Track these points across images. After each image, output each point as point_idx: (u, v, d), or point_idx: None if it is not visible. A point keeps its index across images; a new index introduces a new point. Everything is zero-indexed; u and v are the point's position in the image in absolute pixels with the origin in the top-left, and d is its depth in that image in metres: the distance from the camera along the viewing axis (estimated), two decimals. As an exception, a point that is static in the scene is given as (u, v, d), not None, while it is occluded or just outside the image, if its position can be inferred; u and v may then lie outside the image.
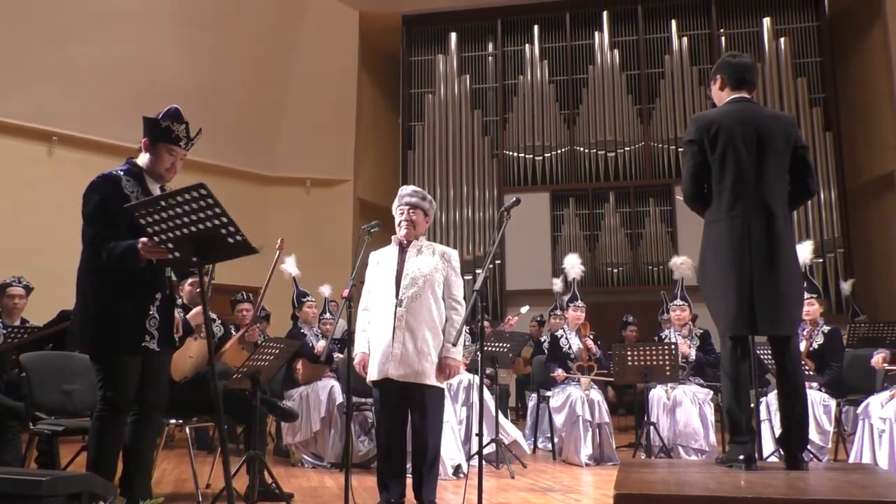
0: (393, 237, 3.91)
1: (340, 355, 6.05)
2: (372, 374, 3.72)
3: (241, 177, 11.41)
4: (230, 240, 2.74)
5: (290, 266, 6.27)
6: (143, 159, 3.31)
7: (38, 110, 9.22)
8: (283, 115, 11.67)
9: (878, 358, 4.95)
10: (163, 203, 2.70)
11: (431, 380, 3.66)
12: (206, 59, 10.55)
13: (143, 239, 2.91)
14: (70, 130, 9.56)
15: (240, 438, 5.57)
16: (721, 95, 3.14)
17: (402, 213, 3.84)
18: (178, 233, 2.75)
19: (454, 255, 3.90)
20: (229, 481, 2.75)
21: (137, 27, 9.85)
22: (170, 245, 2.81)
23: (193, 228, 2.72)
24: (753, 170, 2.93)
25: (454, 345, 3.64)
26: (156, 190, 3.30)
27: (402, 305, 3.65)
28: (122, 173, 3.24)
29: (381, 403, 3.76)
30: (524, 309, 9.26)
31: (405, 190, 3.93)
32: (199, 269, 2.88)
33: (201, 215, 2.68)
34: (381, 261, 3.88)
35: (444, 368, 3.70)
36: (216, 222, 2.69)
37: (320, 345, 5.95)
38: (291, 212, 11.33)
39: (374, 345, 3.74)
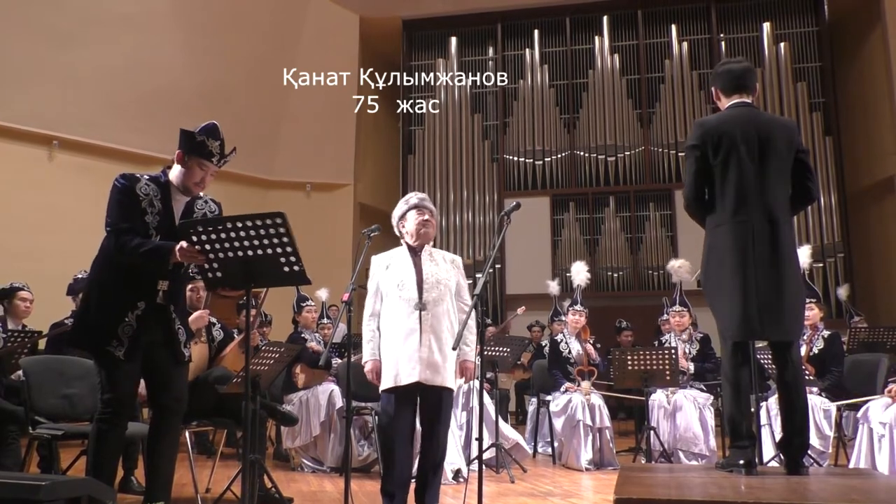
0: (403, 242, 3.85)
1: (340, 360, 6.03)
2: (399, 380, 3.58)
3: (242, 181, 11.40)
4: (286, 269, 2.83)
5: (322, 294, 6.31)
6: (173, 171, 3.35)
7: (38, 114, 9.22)
8: (283, 119, 11.68)
9: (893, 387, 4.90)
10: (228, 224, 2.77)
11: (451, 382, 3.68)
12: (207, 62, 10.56)
13: (183, 243, 2.95)
14: (70, 134, 9.56)
15: (239, 443, 5.57)
16: (722, 104, 3.16)
17: (422, 214, 3.78)
18: (229, 254, 2.83)
19: (460, 260, 3.95)
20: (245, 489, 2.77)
21: (137, 31, 9.87)
22: (215, 265, 2.88)
23: (250, 252, 2.80)
24: (756, 174, 2.93)
25: (454, 348, 3.62)
26: (180, 202, 3.34)
27: (427, 309, 3.63)
28: (145, 176, 3.30)
29: (395, 410, 3.61)
30: (520, 310, 9.28)
31: (419, 195, 3.90)
32: (248, 293, 2.94)
33: (265, 241, 2.78)
34: (392, 265, 3.78)
35: (463, 371, 3.76)
36: (278, 250, 2.78)
37: (313, 343, 5.97)
38: (292, 216, 11.11)
39: (396, 350, 3.62)
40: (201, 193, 3.45)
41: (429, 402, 3.65)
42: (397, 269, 3.75)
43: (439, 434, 3.64)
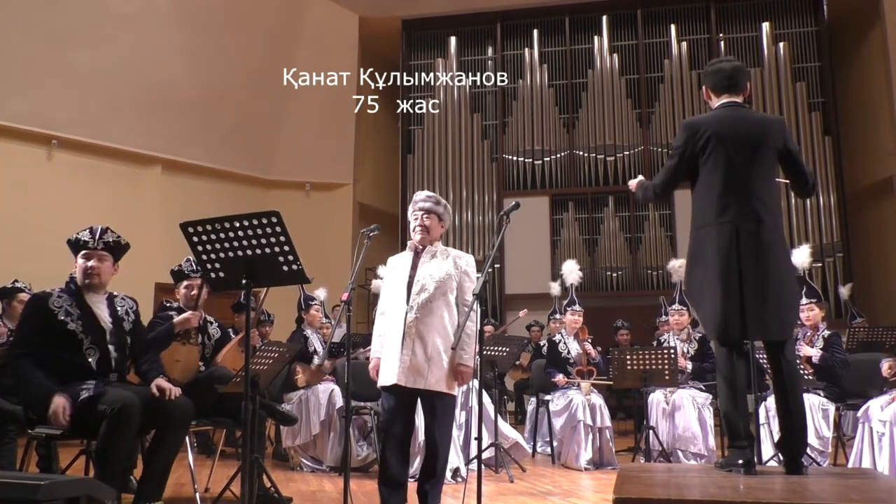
0: (408, 242, 3.88)
1: (326, 360, 6.00)
2: (382, 380, 3.66)
3: (241, 180, 11.42)
4: (285, 268, 2.87)
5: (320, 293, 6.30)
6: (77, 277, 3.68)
7: (37, 113, 9.22)
8: (282, 118, 11.68)
9: (886, 365, 4.95)
10: (226, 224, 2.82)
11: (442, 387, 3.59)
12: (206, 62, 10.56)
13: (60, 409, 3.24)
14: (69, 134, 9.57)
15: (238, 442, 5.56)
16: (712, 103, 3.17)
17: (416, 219, 3.79)
18: (230, 254, 2.88)
19: (469, 259, 3.82)
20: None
21: (137, 31, 9.87)
22: (217, 265, 2.93)
23: (249, 252, 2.84)
24: (743, 175, 2.93)
25: (453, 348, 3.60)
26: (98, 301, 3.65)
27: (413, 311, 3.61)
28: (55, 290, 3.59)
29: (389, 409, 3.68)
30: (522, 313, 9.29)
31: (420, 195, 3.88)
32: (248, 291, 2.96)
33: (262, 241, 2.82)
34: (396, 266, 3.83)
35: (456, 375, 3.63)
36: (276, 249, 2.82)
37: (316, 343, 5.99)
38: (291, 215, 11.11)
39: (386, 350, 3.68)
40: (115, 292, 3.78)
41: (424, 405, 3.64)
42: (397, 271, 3.80)
43: (436, 439, 3.60)
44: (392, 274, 3.84)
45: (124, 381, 3.70)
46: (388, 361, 3.65)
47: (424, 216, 3.78)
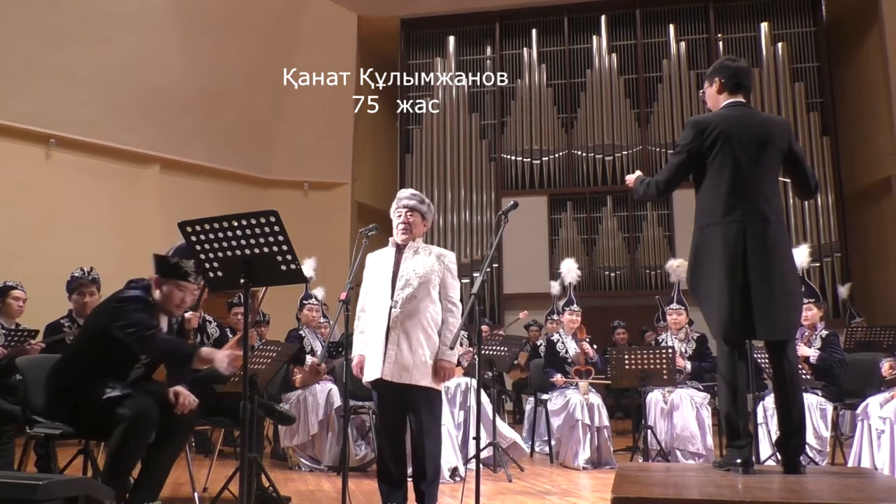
0: (390, 239, 3.89)
1: (312, 358, 6.01)
2: (367, 375, 3.70)
3: (239, 179, 11.41)
4: (283, 267, 2.87)
5: (307, 269, 6.28)
6: (156, 294, 3.49)
7: (35, 113, 9.20)
8: (281, 118, 11.67)
9: (886, 365, 4.97)
10: (225, 224, 2.82)
11: (427, 381, 3.62)
12: (205, 62, 10.55)
13: (236, 353, 3.16)
14: (68, 133, 9.54)
15: (237, 442, 5.56)
16: (718, 99, 3.14)
17: (399, 216, 3.83)
18: (228, 253, 2.88)
19: (451, 256, 3.87)
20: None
21: (136, 30, 9.85)
22: (215, 264, 2.94)
23: (248, 252, 2.84)
24: (750, 175, 2.93)
25: (451, 348, 3.62)
26: (163, 321, 3.52)
27: (398, 307, 3.63)
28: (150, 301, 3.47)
29: (379, 405, 3.74)
30: (523, 314, 9.29)
31: (403, 193, 3.92)
32: (246, 291, 2.96)
33: (261, 240, 2.82)
34: (378, 262, 3.86)
35: (438, 371, 3.66)
36: (274, 249, 2.82)
37: (316, 344, 5.98)
38: (289, 215, 11.14)
39: (370, 346, 3.71)
40: None
41: (409, 401, 3.65)
42: (380, 267, 3.82)
43: (422, 433, 3.60)
44: (374, 270, 3.85)
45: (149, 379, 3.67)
46: (371, 357, 3.67)
47: (408, 213, 3.81)
